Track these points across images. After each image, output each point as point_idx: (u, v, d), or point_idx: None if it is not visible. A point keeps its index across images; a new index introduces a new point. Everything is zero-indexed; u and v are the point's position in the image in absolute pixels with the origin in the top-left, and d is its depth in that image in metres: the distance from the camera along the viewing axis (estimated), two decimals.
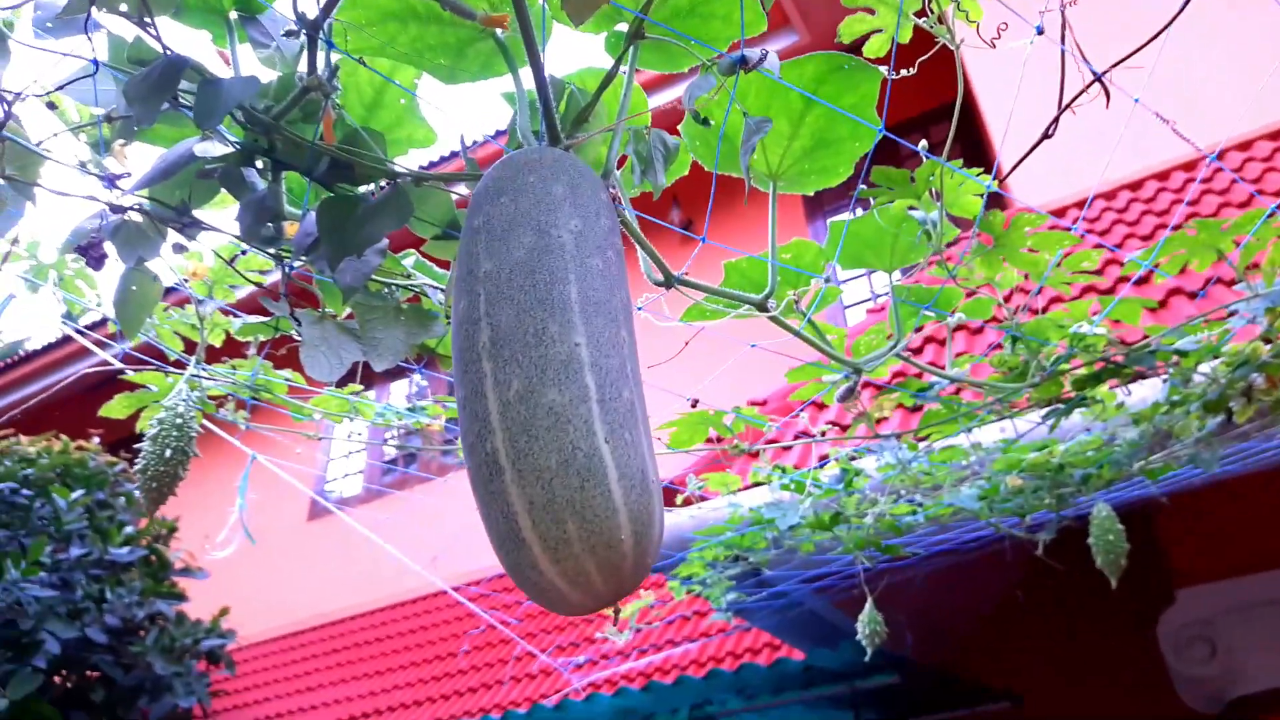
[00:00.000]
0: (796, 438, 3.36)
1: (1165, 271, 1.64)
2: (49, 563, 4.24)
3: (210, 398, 1.67)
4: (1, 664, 3.89)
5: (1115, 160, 4.61)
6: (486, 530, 0.65)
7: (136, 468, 1.28)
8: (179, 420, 1.30)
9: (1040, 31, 1.01)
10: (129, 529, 4.84)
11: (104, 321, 1.69)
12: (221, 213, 1.28)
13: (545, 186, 0.75)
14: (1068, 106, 1.04)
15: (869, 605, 2.12)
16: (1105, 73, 1.04)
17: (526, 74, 0.96)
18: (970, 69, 5.16)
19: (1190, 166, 4.42)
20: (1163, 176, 4.49)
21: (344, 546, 6.67)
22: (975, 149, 5.97)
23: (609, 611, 0.65)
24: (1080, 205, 4.65)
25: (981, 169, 1.19)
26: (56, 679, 4.43)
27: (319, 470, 7.21)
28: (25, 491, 4.47)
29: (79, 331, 1.74)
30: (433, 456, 6.56)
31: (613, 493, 0.62)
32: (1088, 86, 1.05)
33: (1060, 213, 4.57)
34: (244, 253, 1.35)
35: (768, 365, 2.12)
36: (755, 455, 2.17)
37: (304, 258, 1.03)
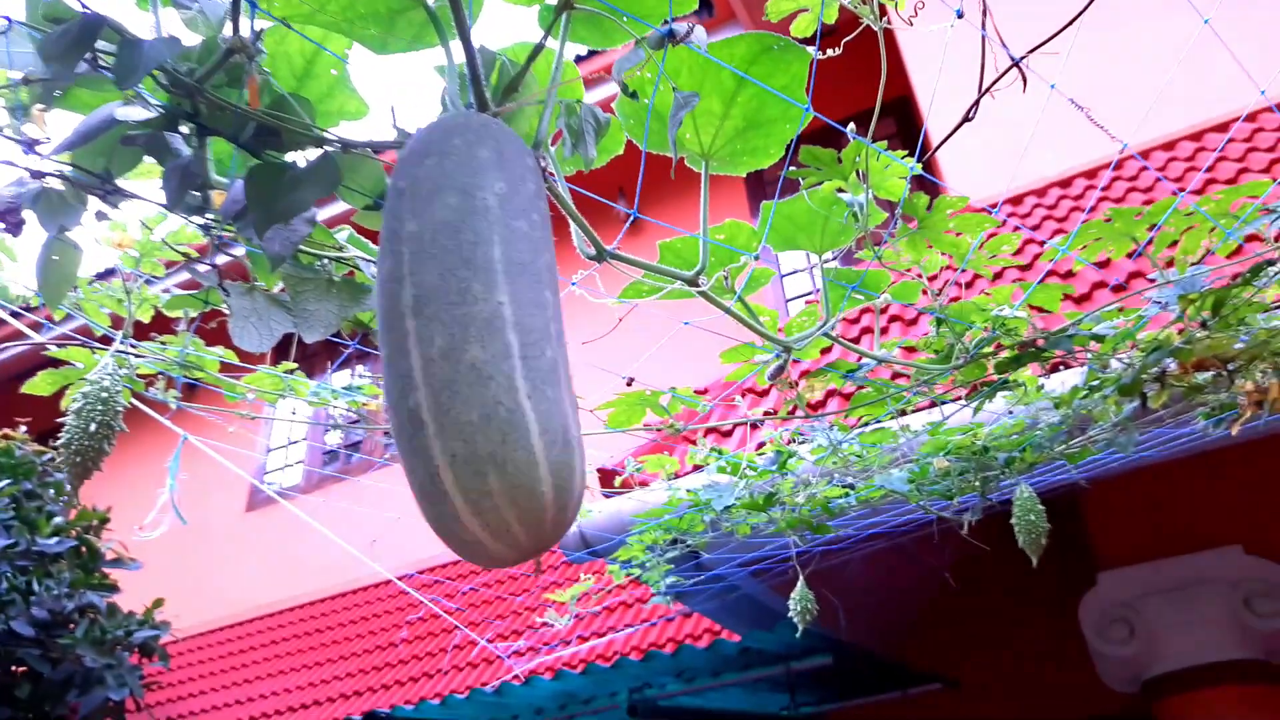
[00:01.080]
0: (735, 426, 3.41)
1: (1085, 259, 1.71)
2: None
3: (140, 376, 1.64)
4: None
5: (1047, 159, 4.75)
6: (410, 485, 0.66)
7: (60, 442, 1.25)
8: (104, 394, 1.27)
9: (960, 15, 1.05)
10: (58, 519, 4.71)
11: (29, 309, 1.65)
12: (146, 184, 1.26)
13: (471, 150, 0.76)
14: (986, 91, 1.08)
15: (800, 583, 2.17)
16: (1023, 58, 1.08)
17: (458, 46, 0.96)
18: (910, 64, 5.26)
19: (1118, 166, 4.58)
20: (1090, 175, 4.64)
21: (283, 537, 6.57)
22: (916, 143, 6.08)
23: (531, 565, 0.66)
24: (1013, 201, 4.78)
25: (906, 152, 1.22)
26: None
27: (258, 460, 7.08)
28: None
29: (2, 307, 1.69)
30: (374, 443, 6.48)
31: (534, 447, 0.63)
32: (1005, 72, 1.09)
33: (992, 206, 4.69)
34: (168, 220, 1.33)
35: (706, 350, 2.15)
36: (693, 440, 2.20)
37: (231, 226, 1.02)
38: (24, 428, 4.88)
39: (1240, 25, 4.47)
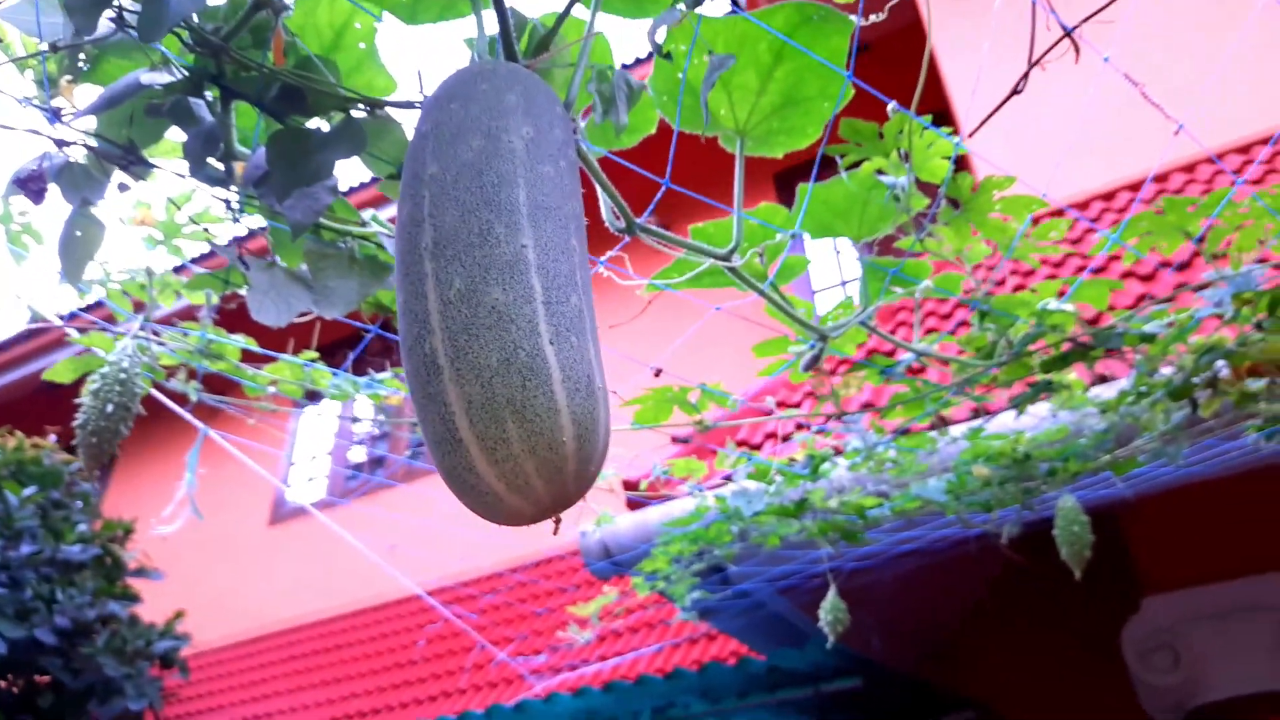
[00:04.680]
0: (767, 438, 3.34)
1: (1138, 251, 1.64)
2: None
3: (162, 366, 1.62)
4: None
5: (1088, 173, 4.66)
6: (424, 435, 0.61)
7: (76, 423, 1.23)
8: (122, 375, 1.25)
9: None
10: (83, 528, 4.72)
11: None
12: (169, 163, 1.24)
13: (498, 94, 0.72)
14: (1037, 62, 1.03)
15: (831, 592, 2.10)
16: (1075, 28, 1.03)
17: (489, 15, 0.93)
18: (948, 80, 5.21)
19: (1162, 179, 4.49)
20: (1134, 187, 4.55)
21: (305, 552, 6.56)
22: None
23: (551, 522, 0.62)
24: (1054, 214, 4.69)
25: (951, 129, 1.17)
26: (3, 683, 4.29)
27: (281, 474, 7.09)
28: None
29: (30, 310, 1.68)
30: (397, 463, 6.47)
31: (555, 394, 0.58)
32: (1057, 42, 1.04)
33: (1035, 221, 4.61)
34: (192, 201, 1.31)
35: (739, 352, 2.10)
36: (722, 444, 2.15)
37: (253, 190, 0.99)
38: (53, 436, 4.92)
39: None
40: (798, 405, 3.17)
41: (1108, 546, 4.20)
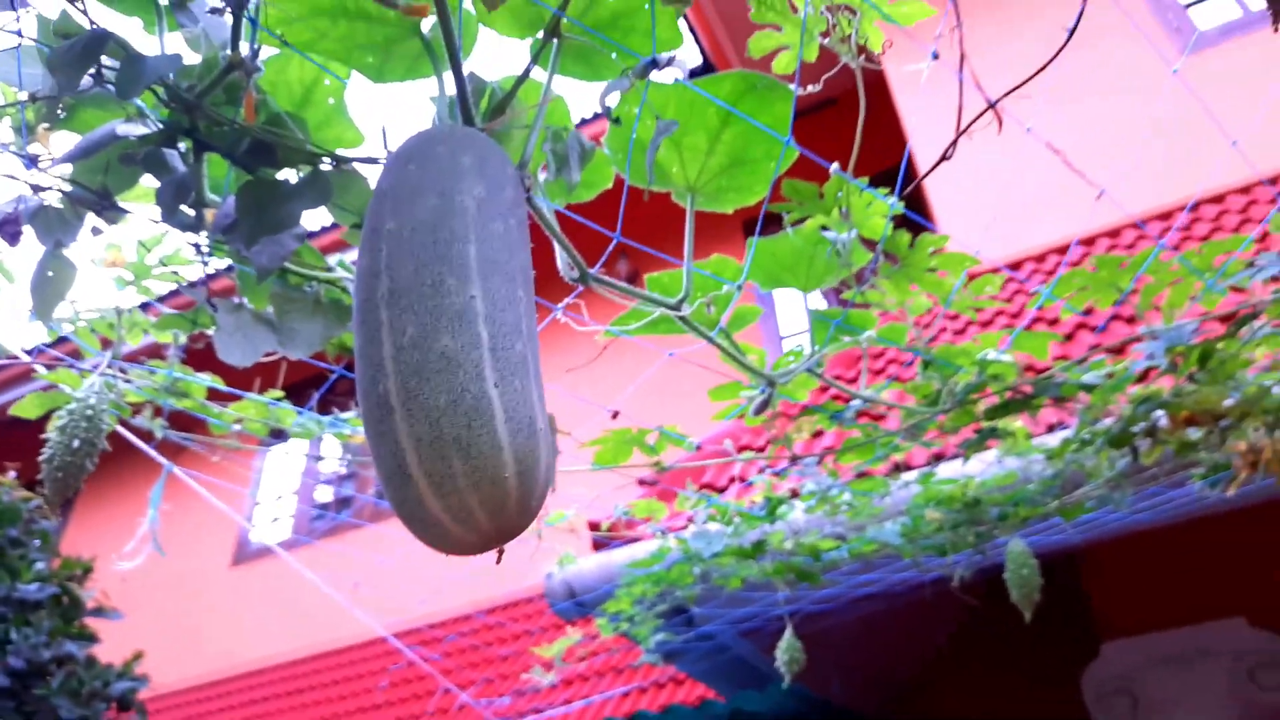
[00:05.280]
0: (731, 481, 3.39)
1: (1072, 306, 1.72)
2: None
3: (128, 403, 1.64)
4: None
5: (1049, 229, 4.82)
6: (376, 469, 0.66)
7: (42, 457, 1.25)
8: (89, 412, 1.28)
9: (935, 56, 1.09)
10: (40, 566, 4.64)
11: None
12: (142, 207, 1.28)
13: (454, 157, 0.78)
14: (963, 131, 1.11)
15: (788, 633, 2.13)
16: (998, 101, 1.12)
17: (450, 78, 0.99)
18: (910, 132, 5.37)
19: (1114, 234, 4.65)
20: (1089, 242, 4.71)
21: (268, 593, 6.47)
22: (914, 207, 6.17)
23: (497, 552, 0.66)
24: (1013, 266, 4.84)
25: (888, 189, 1.25)
26: None
27: (245, 514, 7.02)
28: None
29: None
30: (363, 502, 6.43)
31: (499, 433, 0.63)
32: (982, 114, 1.12)
33: (971, 277, 4.74)
34: (162, 244, 1.35)
35: (696, 398, 2.16)
36: (681, 485, 2.20)
37: (221, 236, 1.04)
38: (13, 473, 4.86)
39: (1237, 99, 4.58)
40: (761, 449, 3.23)
41: (1067, 593, 4.28)
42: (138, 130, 1.01)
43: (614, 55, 1.10)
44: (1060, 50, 1.08)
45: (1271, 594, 4.00)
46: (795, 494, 2.15)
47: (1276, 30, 1.21)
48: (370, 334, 0.68)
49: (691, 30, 6.30)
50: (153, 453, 1.70)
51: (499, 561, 0.68)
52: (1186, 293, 1.80)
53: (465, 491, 0.62)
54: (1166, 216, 4.58)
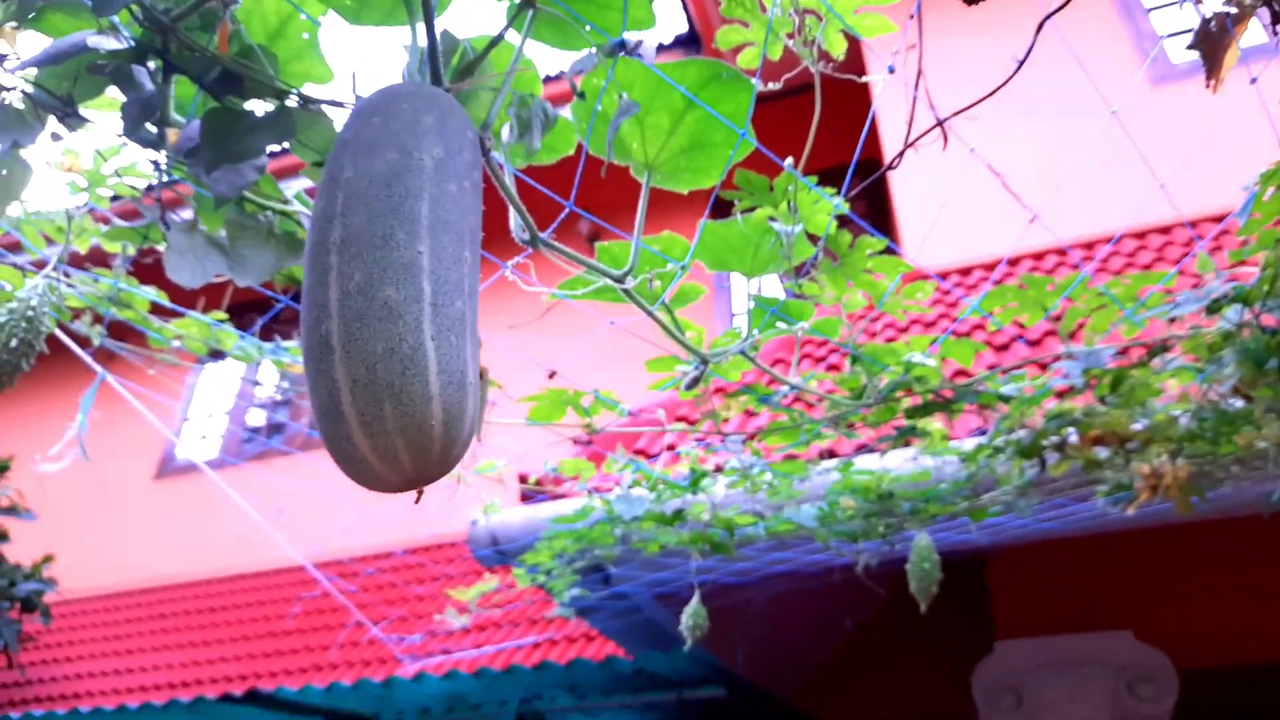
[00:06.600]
0: (667, 448, 3.47)
1: (999, 321, 1.81)
2: None
3: (68, 307, 1.64)
4: None
5: (1004, 239, 4.94)
6: (312, 404, 0.70)
7: None
8: (30, 313, 1.29)
9: (891, 70, 1.14)
10: None
11: None
12: (106, 116, 1.28)
13: (417, 115, 0.81)
14: (910, 145, 1.17)
15: (695, 600, 2.22)
16: (947, 119, 1.17)
17: (424, 31, 1.02)
18: (883, 128, 5.45)
19: (1060, 253, 4.80)
20: (1038, 256, 4.86)
21: (189, 510, 6.42)
22: (880, 201, 6.27)
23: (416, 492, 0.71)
24: (962, 271, 4.98)
25: (835, 190, 1.31)
26: None
27: (175, 429, 6.93)
28: None
29: None
30: (295, 430, 6.40)
31: (430, 383, 0.68)
32: (928, 131, 1.18)
33: (943, 274, 4.88)
34: (120, 155, 1.35)
35: (640, 367, 2.21)
36: (612, 449, 2.25)
37: (182, 163, 1.05)
38: None
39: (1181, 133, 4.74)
40: (694, 422, 3.31)
41: (972, 590, 4.47)
42: (109, 44, 1.01)
43: (588, 26, 1.14)
44: (1008, 80, 1.14)
45: (1158, 611, 4.24)
46: (719, 468, 2.23)
47: (1209, 87, 1.29)
48: (319, 276, 0.71)
49: None
50: (88, 359, 1.70)
51: (417, 502, 0.73)
52: (1110, 318, 1.90)
53: (393, 434, 0.66)
54: (1109, 240, 4.75)
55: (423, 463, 0.68)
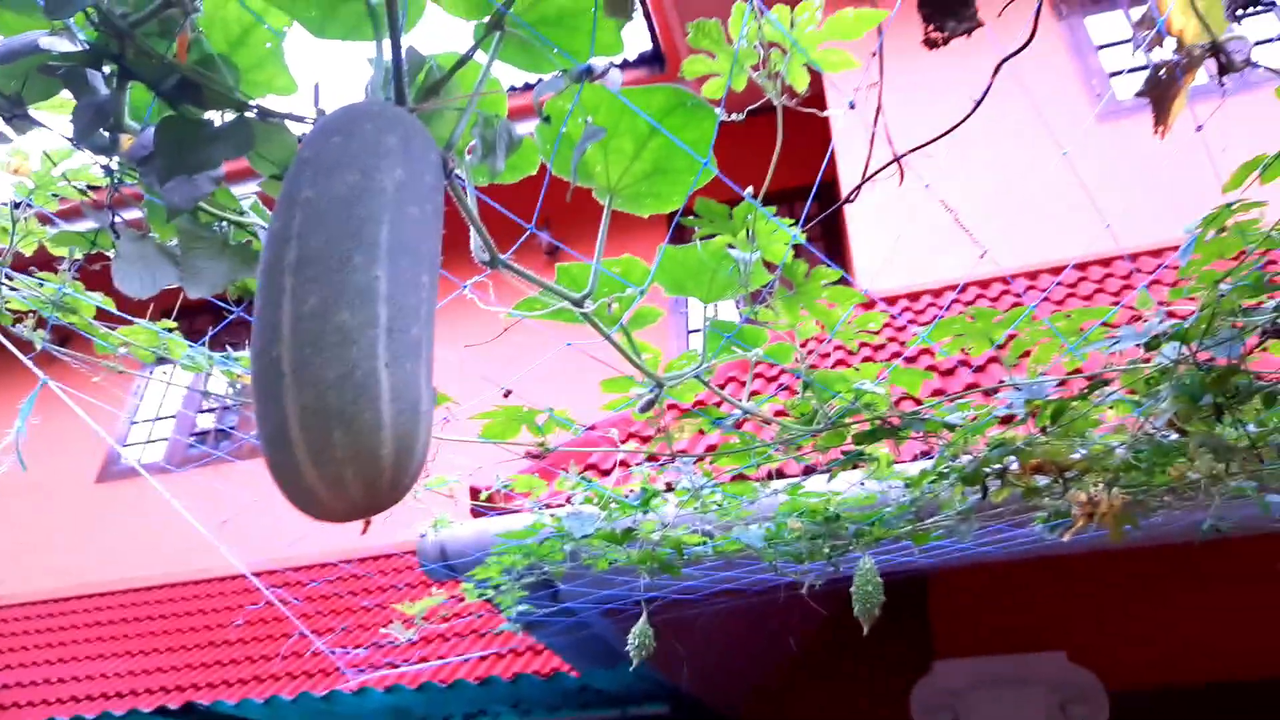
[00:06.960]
0: (620, 464, 3.47)
1: (946, 351, 1.84)
2: None
3: (10, 311, 1.60)
4: None
5: (954, 266, 5.05)
6: (258, 430, 0.69)
7: None
8: None
9: (852, 106, 1.17)
10: None
11: None
12: (57, 118, 1.26)
13: (379, 135, 0.81)
14: (867, 179, 1.19)
15: (642, 619, 2.22)
16: (903, 155, 1.20)
17: (390, 44, 1.01)
18: (840, 153, 5.54)
19: (1005, 281, 4.91)
20: (984, 285, 4.97)
21: (131, 516, 6.26)
22: (836, 226, 6.36)
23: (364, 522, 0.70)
24: (911, 298, 5.07)
25: (793, 221, 1.33)
26: None
27: (118, 434, 6.75)
28: None
29: None
30: (243, 440, 6.27)
31: (383, 412, 0.67)
32: (885, 166, 1.20)
33: (891, 300, 4.97)
34: (71, 158, 1.33)
35: (596, 387, 2.22)
36: (565, 467, 2.25)
37: (135, 171, 1.03)
38: None
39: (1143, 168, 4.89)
40: (647, 439, 3.32)
41: (913, 611, 4.54)
42: (62, 46, 0.99)
43: (556, 50, 1.14)
44: (964, 120, 1.17)
45: (1091, 634, 4.35)
46: (670, 488, 2.24)
47: (1157, 133, 1.34)
48: (272, 297, 0.71)
49: (646, 15, 6.31)
50: (29, 363, 1.66)
51: (364, 532, 0.72)
52: (1053, 351, 1.95)
53: (342, 463, 0.66)
54: (1057, 271, 4.88)
55: (371, 493, 0.67)
